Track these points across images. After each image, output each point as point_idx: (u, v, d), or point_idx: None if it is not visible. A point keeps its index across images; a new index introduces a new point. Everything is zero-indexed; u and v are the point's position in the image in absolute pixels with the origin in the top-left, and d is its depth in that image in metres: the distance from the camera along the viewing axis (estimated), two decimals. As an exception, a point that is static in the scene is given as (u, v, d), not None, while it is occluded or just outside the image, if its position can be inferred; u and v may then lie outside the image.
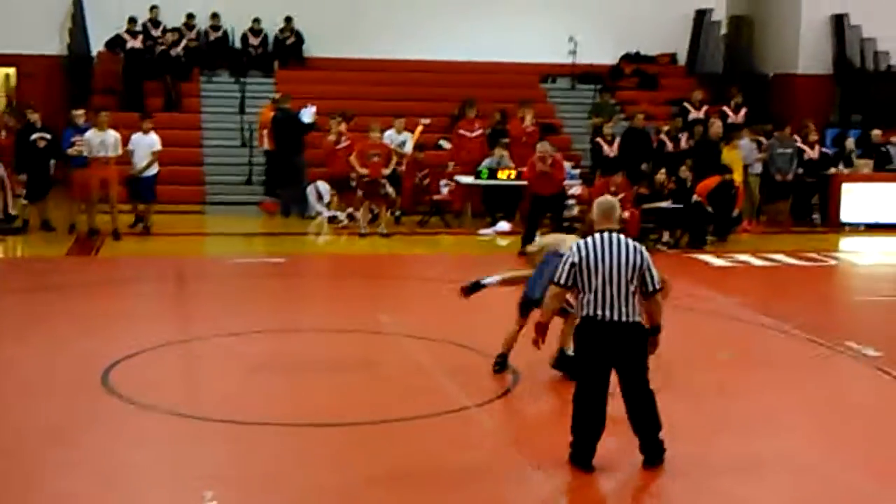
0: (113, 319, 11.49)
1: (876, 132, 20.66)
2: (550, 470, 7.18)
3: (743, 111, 21.13)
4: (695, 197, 17.00)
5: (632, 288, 6.92)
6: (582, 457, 7.05)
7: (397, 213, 18.57)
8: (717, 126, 19.01)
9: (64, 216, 17.19)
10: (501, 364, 9.42)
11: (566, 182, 18.35)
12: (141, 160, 16.76)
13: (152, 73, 21.81)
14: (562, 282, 7.09)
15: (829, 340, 10.94)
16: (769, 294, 13.83)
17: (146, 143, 16.82)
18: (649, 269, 6.96)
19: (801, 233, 18.87)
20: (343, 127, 18.51)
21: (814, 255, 16.61)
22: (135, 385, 8.85)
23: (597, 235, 7.05)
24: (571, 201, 18.06)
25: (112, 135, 16.49)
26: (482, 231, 17.98)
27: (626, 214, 16.34)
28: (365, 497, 6.79)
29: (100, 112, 16.86)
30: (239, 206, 19.41)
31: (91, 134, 16.44)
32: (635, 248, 6.97)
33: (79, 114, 17.15)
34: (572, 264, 7.00)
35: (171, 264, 14.99)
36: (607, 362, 6.99)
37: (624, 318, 6.90)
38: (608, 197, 7.67)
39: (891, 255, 17.48)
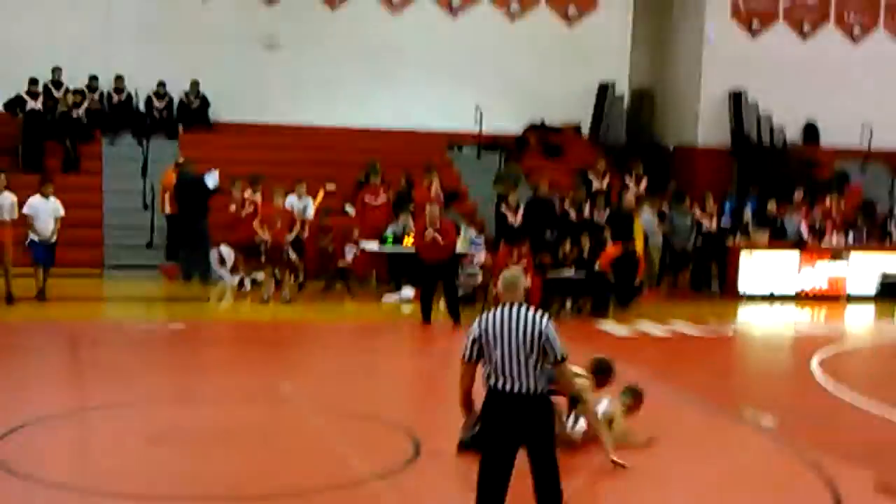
0: (7, 388, 11.14)
1: (772, 205, 21.18)
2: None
3: (644, 182, 21.51)
4: (597, 266, 17.20)
5: (533, 359, 6.82)
6: None
7: (301, 279, 18.42)
8: (628, 198, 19.34)
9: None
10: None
11: (470, 250, 18.52)
12: (44, 225, 16.24)
13: (52, 135, 21.44)
14: (465, 357, 7.02)
15: (729, 411, 11.09)
16: (668, 364, 13.98)
17: (49, 209, 16.35)
18: (549, 340, 6.84)
19: (700, 302, 19.16)
20: (248, 192, 18.39)
21: (712, 324, 16.88)
22: (23, 458, 8.56)
23: (499, 308, 6.99)
24: (476, 269, 18.13)
25: (7, 197, 16.12)
26: (386, 297, 17.93)
27: (528, 283, 16.49)
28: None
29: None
30: (140, 270, 19.07)
31: None
32: (536, 319, 6.86)
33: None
34: (474, 340, 6.93)
35: (66, 330, 14.61)
36: (512, 436, 6.86)
37: (525, 391, 6.81)
38: (513, 269, 7.65)
39: (786, 325, 17.84)
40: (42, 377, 11.95)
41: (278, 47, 23.84)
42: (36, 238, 16.26)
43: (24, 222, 16.27)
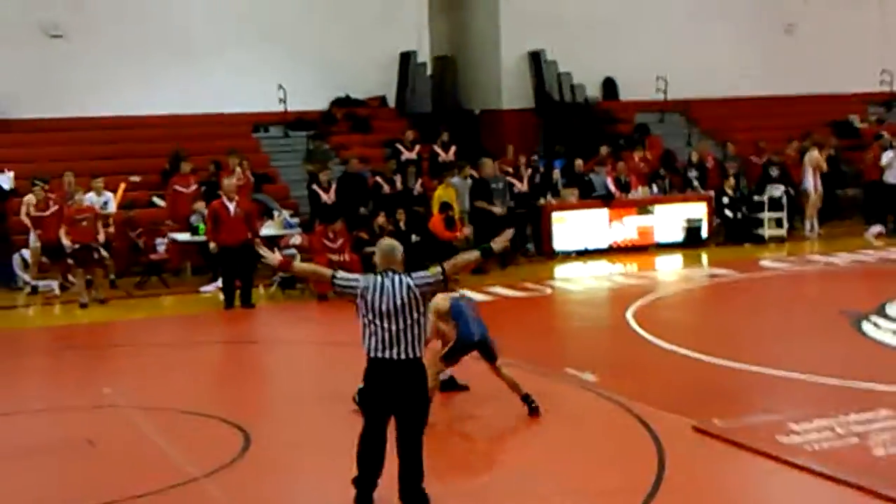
0: None
1: (578, 162, 21.70)
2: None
3: (453, 149, 21.72)
4: (413, 237, 17.31)
5: (409, 323, 7.01)
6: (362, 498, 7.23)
7: (111, 276, 17.84)
8: (487, 164, 19.53)
9: None
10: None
11: (285, 231, 18.35)
12: None
13: None
14: (337, 280, 7.24)
15: (550, 369, 11.34)
16: (491, 327, 14.14)
17: None
18: (426, 283, 7.09)
19: (517, 264, 19.49)
20: (47, 191, 17.65)
21: (530, 285, 17.22)
22: None
23: (378, 276, 7.14)
24: (293, 250, 17.96)
25: None
26: (203, 288, 17.59)
27: (347, 258, 16.49)
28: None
29: None
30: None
31: None
32: (404, 282, 7.04)
33: None
34: (353, 289, 7.12)
35: None
36: (385, 400, 7.10)
37: (400, 357, 7.02)
38: (388, 240, 7.71)
39: (601, 279, 18.34)
40: None
41: (62, 37, 22.91)
42: None
43: None
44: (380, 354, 7.07)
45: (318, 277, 7.98)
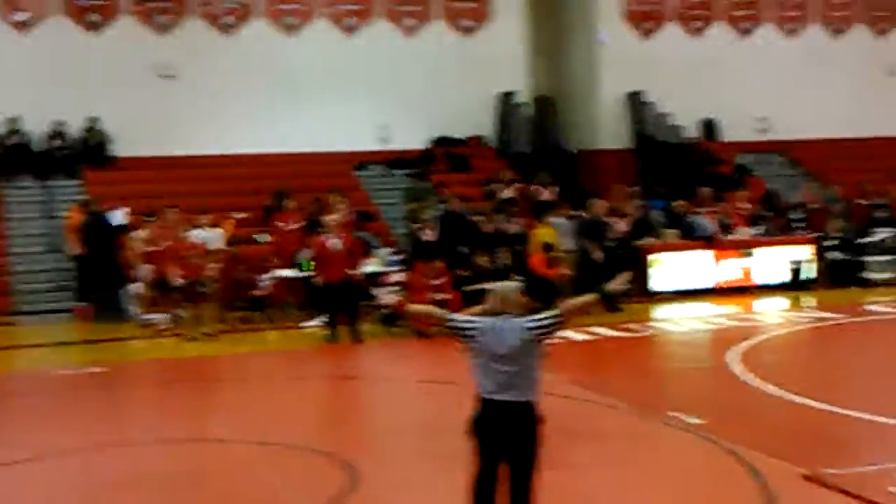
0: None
1: (678, 203, 21.57)
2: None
3: (554, 188, 21.77)
4: (513, 277, 17.32)
5: (524, 367, 6.97)
6: None
7: (217, 311, 18.18)
8: (598, 204, 19.57)
9: None
10: None
11: (386, 269, 18.55)
12: None
13: (-50, 182, 20.99)
14: (451, 322, 7.21)
15: (655, 412, 11.26)
16: (590, 368, 14.14)
17: None
18: (542, 326, 7.01)
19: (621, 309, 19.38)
20: (157, 227, 18.09)
21: (631, 325, 17.13)
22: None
23: (494, 318, 7.09)
24: (394, 288, 18.12)
25: None
26: (305, 323, 17.84)
27: (447, 297, 16.60)
28: None
29: None
30: (51, 315, 18.71)
31: None
32: (520, 325, 7.01)
33: None
34: (472, 329, 7.07)
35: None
36: (496, 442, 7.03)
37: (516, 399, 6.97)
38: (505, 283, 7.69)
39: (703, 321, 18.16)
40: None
41: (174, 77, 23.59)
42: None
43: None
44: (494, 397, 7.03)
45: (431, 318, 7.99)
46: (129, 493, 9.09)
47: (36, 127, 22.69)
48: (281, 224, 19.52)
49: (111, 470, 9.84)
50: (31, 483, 9.62)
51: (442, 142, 25.48)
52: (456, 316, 7.42)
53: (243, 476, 9.58)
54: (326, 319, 16.54)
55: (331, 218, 16.95)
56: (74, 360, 16.02)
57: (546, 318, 7.09)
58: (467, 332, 7.14)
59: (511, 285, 7.55)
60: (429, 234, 19.21)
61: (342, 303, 16.24)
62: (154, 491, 9.15)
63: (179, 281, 16.75)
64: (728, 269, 20.75)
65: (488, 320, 7.14)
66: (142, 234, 18.09)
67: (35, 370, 15.52)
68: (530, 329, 7.05)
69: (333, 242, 16.25)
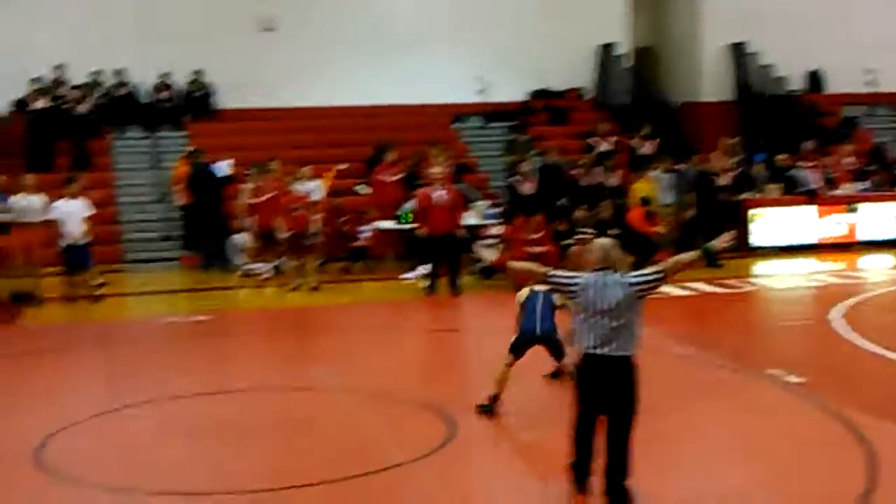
0: (42, 391, 11.30)
1: (781, 157, 21.21)
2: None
3: (654, 142, 21.56)
4: (612, 231, 17.27)
5: (625, 321, 7.11)
6: (578, 481, 7.41)
7: (319, 262, 18.48)
8: (698, 158, 19.39)
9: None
10: (490, 407, 9.62)
11: (485, 221, 18.63)
12: (74, 227, 16.00)
13: (59, 133, 21.53)
14: (552, 277, 7.39)
15: (753, 368, 11.21)
16: (691, 323, 14.08)
17: (77, 210, 16.11)
18: (645, 282, 7.16)
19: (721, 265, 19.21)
20: (264, 179, 18.37)
21: (731, 281, 16.98)
22: (71, 460, 8.71)
23: (595, 273, 7.23)
24: (492, 240, 18.20)
25: (37, 200, 16.22)
26: (405, 275, 18.04)
27: (545, 250, 16.64)
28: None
29: (24, 176, 16.53)
30: (158, 263, 19.22)
31: (17, 199, 16.16)
32: (622, 281, 7.15)
33: (31, 178, 16.61)
34: (574, 283, 7.22)
35: (95, 329, 14.77)
36: (598, 394, 7.20)
37: (617, 353, 7.11)
38: (604, 239, 7.81)
39: (805, 277, 17.93)
40: (77, 378, 12.09)
41: (276, 30, 23.87)
42: (69, 241, 16.08)
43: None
44: (596, 351, 7.14)
45: (532, 275, 8.06)
46: (234, 439, 9.37)
47: (142, 79, 23.18)
48: (381, 176, 19.70)
49: (217, 416, 10.14)
50: (140, 428, 9.97)
51: (540, 94, 25.39)
52: (558, 272, 7.51)
53: (345, 423, 9.81)
54: (427, 271, 16.69)
55: (435, 170, 17.04)
56: (181, 308, 16.48)
57: (649, 275, 7.16)
58: (570, 288, 7.25)
59: (610, 241, 7.61)
60: (527, 188, 19.21)
61: (444, 255, 16.38)
62: (259, 436, 9.42)
63: (285, 232, 17.00)
64: (831, 225, 20.39)
65: (591, 276, 7.24)
66: (248, 185, 18.38)
67: (143, 318, 16.01)
68: (633, 285, 7.13)
69: (439, 194, 16.38)
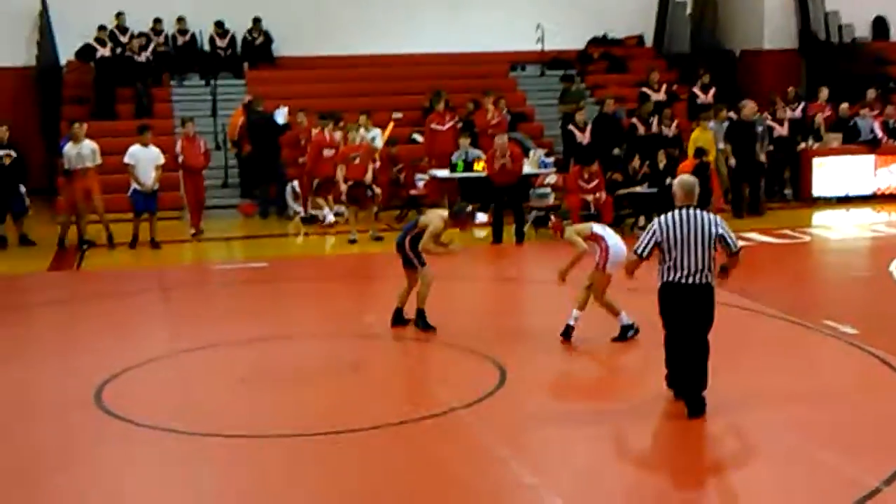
0: (100, 335, 11.59)
1: (844, 106, 20.86)
2: (537, 466, 7.35)
3: (712, 91, 21.30)
4: (668, 180, 17.15)
5: (708, 255, 8.03)
6: (675, 383, 8.43)
7: (376, 209, 18.57)
8: (749, 106, 19.07)
9: (47, 230, 17.16)
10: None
11: (540, 170, 18.59)
12: (146, 174, 16.44)
13: (122, 81, 21.78)
14: (640, 252, 8.20)
15: (808, 319, 11.16)
16: (746, 274, 13.92)
17: (149, 157, 16.55)
18: (726, 237, 8.15)
19: (773, 209, 19.05)
20: (328, 129, 18.41)
21: (788, 231, 16.83)
22: (129, 403, 8.95)
23: (678, 211, 8.13)
24: (547, 189, 18.18)
25: (88, 146, 16.49)
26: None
27: (601, 198, 16.60)
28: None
29: (73, 124, 16.83)
30: (216, 210, 19.43)
31: (68, 147, 16.45)
32: (712, 220, 8.12)
33: (78, 126, 16.90)
34: (656, 241, 8.11)
35: (153, 274, 15.04)
36: (684, 318, 8.13)
37: (699, 282, 8.05)
38: (689, 176, 8.64)
39: (863, 228, 17.71)
40: (136, 323, 12.36)
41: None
42: (138, 187, 16.46)
43: (126, 171, 16.59)
44: (687, 280, 8.02)
45: (634, 265, 8.55)
46: (288, 384, 9.57)
47: (202, 27, 23.30)
48: (434, 125, 19.68)
49: (272, 361, 10.36)
50: (196, 372, 10.20)
51: (599, 42, 25.14)
52: (639, 243, 8.26)
53: (398, 370, 9.97)
54: (485, 220, 16.77)
55: (500, 140, 16.91)
56: (238, 255, 16.71)
57: (731, 237, 8.23)
58: (656, 242, 8.10)
59: (694, 179, 8.39)
60: (583, 137, 19.11)
61: (511, 203, 16.48)
62: (313, 381, 9.61)
63: (346, 182, 16.91)
64: (893, 176, 20.04)
65: (669, 216, 8.13)
66: (308, 133, 18.41)
67: (201, 264, 16.26)
68: (720, 233, 8.11)
69: (500, 161, 16.40)
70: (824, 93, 21.28)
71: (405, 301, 11.03)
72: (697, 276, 8.03)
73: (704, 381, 8.17)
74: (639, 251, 8.20)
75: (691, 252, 7.99)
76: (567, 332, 10.37)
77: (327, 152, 17.92)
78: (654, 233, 8.12)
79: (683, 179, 8.40)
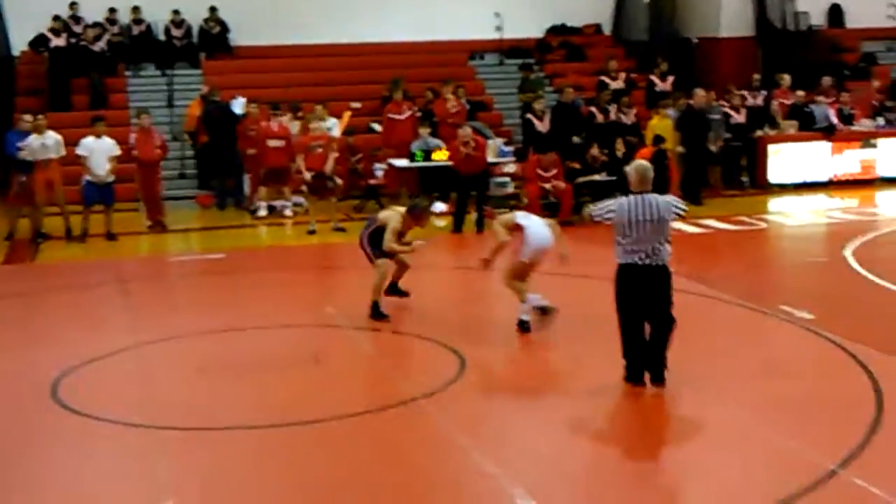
0: (56, 328, 11.49)
1: (799, 93, 21.04)
2: (498, 455, 7.38)
3: (670, 79, 21.41)
4: (627, 168, 17.22)
5: (663, 238, 8.33)
6: (634, 375, 8.56)
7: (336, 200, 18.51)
8: (699, 95, 19.13)
9: (2, 223, 16.98)
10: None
11: (499, 159, 18.62)
12: (99, 165, 16.32)
13: (77, 71, 21.55)
14: (599, 218, 8.55)
15: (765, 305, 11.26)
16: (703, 261, 14.08)
17: (103, 148, 16.41)
18: (679, 211, 8.61)
19: (730, 196, 19.21)
20: (285, 119, 18.35)
21: (744, 218, 16.97)
22: (86, 396, 8.88)
23: (633, 196, 8.34)
24: (506, 178, 18.21)
25: (52, 137, 16.32)
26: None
27: (561, 187, 16.64)
28: (326, 498, 6.90)
29: (36, 116, 16.64)
30: (174, 202, 19.28)
31: (32, 138, 16.27)
32: (667, 204, 8.41)
33: (27, 118, 16.74)
34: (611, 211, 8.38)
35: (110, 266, 14.88)
36: (641, 299, 8.37)
37: (655, 264, 8.34)
38: (643, 161, 8.82)
39: (819, 214, 17.88)
40: (94, 316, 12.22)
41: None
42: (91, 178, 16.38)
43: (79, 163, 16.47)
44: (641, 262, 8.28)
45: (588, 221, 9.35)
46: (247, 376, 9.52)
47: (157, 17, 23.09)
48: (392, 115, 19.64)
49: (231, 353, 10.30)
50: (154, 364, 10.13)
51: (557, 30, 25.18)
52: (599, 207, 8.62)
53: (358, 360, 9.94)
54: (444, 209, 16.79)
55: (463, 130, 16.95)
56: (193, 247, 16.59)
57: (682, 207, 8.66)
58: (612, 213, 8.34)
59: (647, 164, 8.54)
60: (542, 125, 19.14)
61: (473, 193, 16.56)
62: (275, 373, 9.56)
63: (306, 173, 16.82)
64: (848, 162, 20.27)
65: (627, 198, 8.35)
66: (264, 124, 18.33)
67: (158, 256, 16.14)
68: (675, 208, 8.48)
69: (464, 148, 16.42)
70: (787, 80, 21.43)
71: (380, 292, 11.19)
72: (654, 258, 8.30)
73: (665, 357, 8.50)
74: (594, 216, 8.70)
75: (647, 235, 8.24)
76: (523, 326, 10.39)
77: (274, 143, 17.85)
78: (612, 211, 8.40)
79: (638, 164, 8.57)
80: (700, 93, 19.16)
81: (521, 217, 10.64)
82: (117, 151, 16.64)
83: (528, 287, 10.44)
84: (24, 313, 12.33)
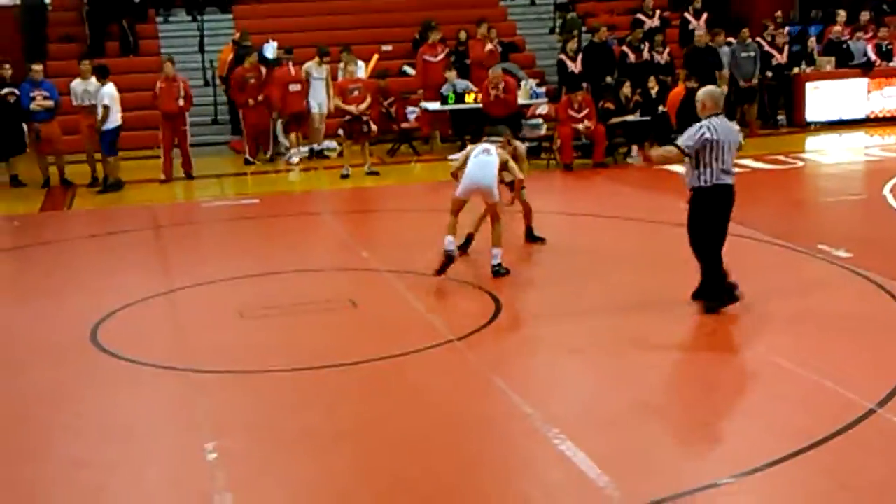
0: (94, 275, 11.58)
1: (836, 29, 20.72)
2: (534, 396, 7.39)
3: (704, 16, 21.12)
4: (661, 108, 17.09)
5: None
6: (721, 296, 8.86)
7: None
8: (699, 33, 19.02)
9: (35, 171, 17.07)
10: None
11: (532, 101, 18.49)
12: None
13: (109, 18, 21.52)
14: (688, 150, 8.62)
15: (802, 244, 11.17)
16: (739, 201, 13.90)
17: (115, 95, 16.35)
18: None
19: (767, 135, 19.00)
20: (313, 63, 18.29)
21: (781, 157, 16.80)
22: (125, 341, 8.96)
23: (715, 119, 8.63)
24: (538, 120, 18.09)
25: (94, 83, 16.36)
26: (452, 156, 17.96)
27: (591, 127, 16.51)
28: (362, 438, 6.94)
29: (82, 62, 16.70)
30: (206, 147, 19.33)
31: (76, 83, 16.36)
32: (735, 127, 9.03)
33: (38, 69, 16.80)
34: (707, 139, 8.54)
35: (145, 213, 14.97)
36: (726, 216, 8.81)
37: (733, 182, 8.79)
38: (714, 87, 9.23)
39: (856, 151, 17.67)
40: (130, 261, 12.29)
41: None
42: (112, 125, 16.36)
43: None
44: (725, 181, 8.66)
45: (670, 159, 9.31)
46: (286, 317, 9.57)
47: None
48: (427, 57, 19.51)
49: (268, 296, 10.33)
50: (194, 309, 10.19)
51: (591, -32, 24.82)
52: (687, 136, 8.64)
53: (395, 304, 9.95)
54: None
55: (493, 71, 16.92)
56: (227, 193, 16.63)
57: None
58: (706, 141, 8.50)
59: (720, 89, 9.08)
60: (574, 66, 18.96)
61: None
62: (313, 316, 9.59)
63: (345, 118, 16.72)
64: (887, 98, 19.97)
65: (716, 119, 8.63)
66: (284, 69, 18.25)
67: (192, 202, 16.20)
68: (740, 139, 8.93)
69: (494, 91, 16.36)
70: (842, 15, 21.02)
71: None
72: (733, 177, 8.74)
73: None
74: (686, 147, 8.61)
75: (732, 156, 8.67)
76: (497, 271, 10.36)
77: (294, 87, 17.77)
78: (704, 132, 8.53)
79: (710, 90, 8.87)
80: (700, 33, 19.21)
81: (473, 154, 10.54)
82: (106, 101, 16.20)
83: (457, 225, 10.43)
84: (63, 259, 12.43)
